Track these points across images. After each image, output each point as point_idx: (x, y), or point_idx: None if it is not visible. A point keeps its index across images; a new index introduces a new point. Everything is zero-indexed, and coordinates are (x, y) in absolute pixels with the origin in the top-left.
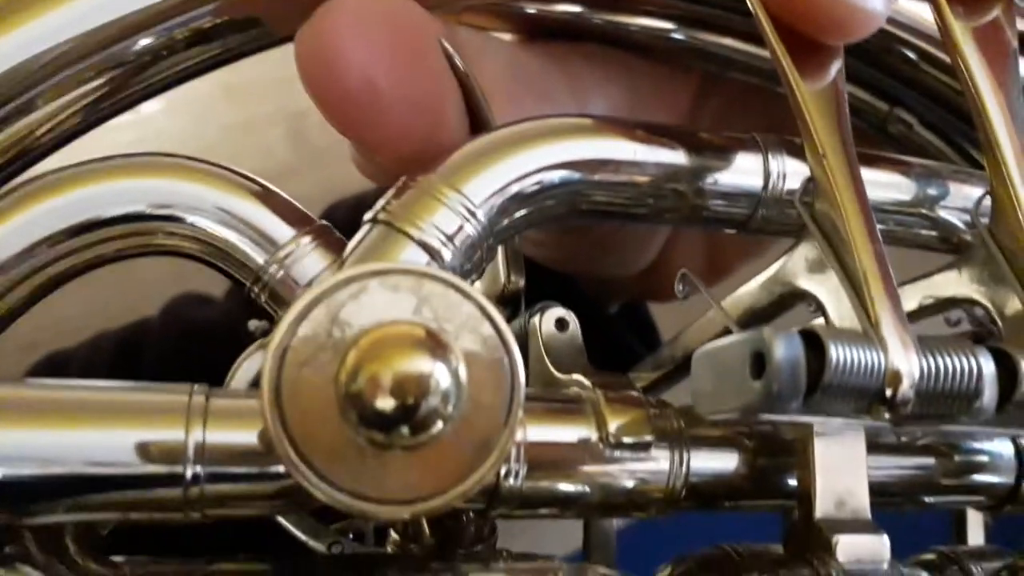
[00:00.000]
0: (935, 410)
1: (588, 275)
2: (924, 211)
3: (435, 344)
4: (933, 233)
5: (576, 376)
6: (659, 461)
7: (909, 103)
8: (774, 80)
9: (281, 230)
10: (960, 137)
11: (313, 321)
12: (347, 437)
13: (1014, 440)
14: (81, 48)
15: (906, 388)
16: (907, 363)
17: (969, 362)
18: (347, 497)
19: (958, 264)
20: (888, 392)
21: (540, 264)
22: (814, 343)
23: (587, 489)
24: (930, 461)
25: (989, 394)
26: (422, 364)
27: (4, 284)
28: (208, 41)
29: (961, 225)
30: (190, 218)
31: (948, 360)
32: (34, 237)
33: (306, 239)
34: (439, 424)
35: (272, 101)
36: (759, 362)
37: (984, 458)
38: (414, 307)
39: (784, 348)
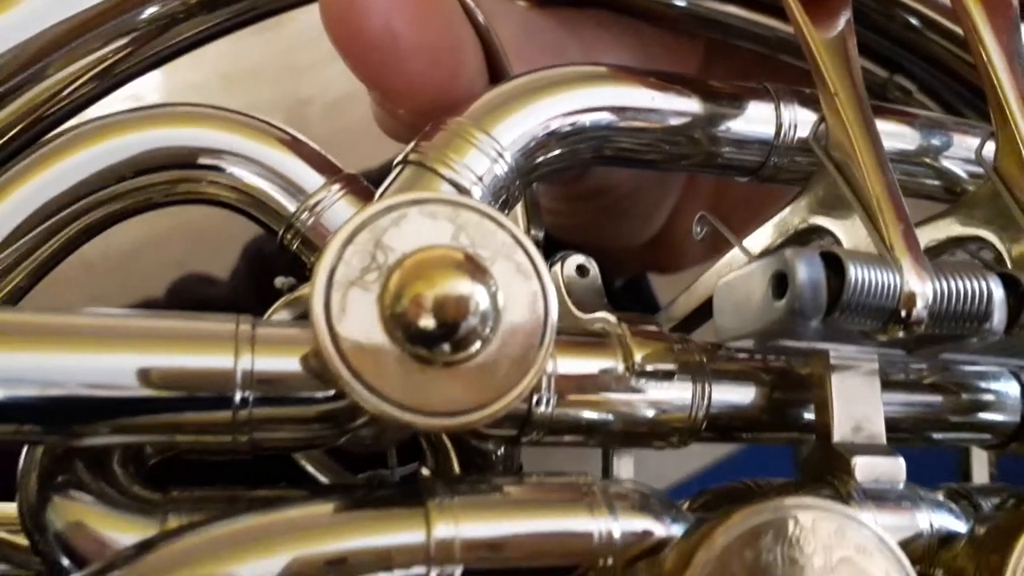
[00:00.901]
0: (947, 330)
1: (596, 247)
2: (929, 160)
3: (474, 267)
4: (937, 183)
5: (601, 314)
6: (681, 392)
7: (910, 69)
8: (778, 49)
9: (311, 178)
10: (960, 103)
11: (358, 245)
12: (393, 353)
13: (1020, 380)
14: (90, 17)
15: (920, 308)
16: (921, 284)
17: (980, 285)
18: (395, 408)
19: (964, 204)
20: (903, 312)
21: (551, 238)
22: (834, 264)
23: (612, 417)
24: (938, 399)
25: (999, 316)
26: (462, 286)
27: (56, 223)
28: (215, 8)
29: (965, 175)
30: (228, 167)
31: (960, 283)
32: (84, 176)
33: (336, 187)
34: (478, 343)
35: (271, 90)
36: (781, 283)
37: (991, 397)
38: (452, 234)
39: (806, 268)
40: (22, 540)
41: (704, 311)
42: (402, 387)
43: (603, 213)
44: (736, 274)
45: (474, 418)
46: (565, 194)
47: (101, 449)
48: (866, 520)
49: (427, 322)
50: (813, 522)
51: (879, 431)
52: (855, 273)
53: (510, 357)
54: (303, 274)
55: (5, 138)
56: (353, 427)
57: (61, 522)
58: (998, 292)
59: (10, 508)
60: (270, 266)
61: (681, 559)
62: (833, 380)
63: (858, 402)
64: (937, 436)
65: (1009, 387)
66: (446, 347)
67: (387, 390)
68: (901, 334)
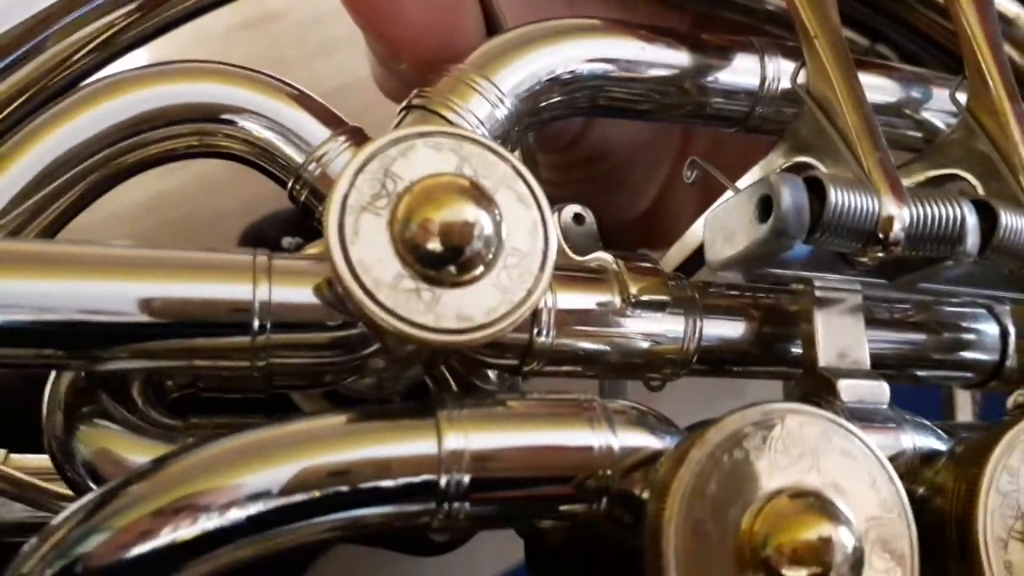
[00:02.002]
0: (924, 252)
1: None
2: (909, 112)
3: (479, 194)
4: (918, 134)
5: (598, 253)
6: (674, 325)
7: (891, 37)
8: (765, 21)
9: (319, 131)
10: (941, 71)
11: (368, 173)
12: (402, 274)
13: (999, 321)
14: None
15: (897, 230)
16: (898, 208)
17: (954, 209)
18: (406, 326)
19: (940, 146)
20: (881, 234)
21: None
22: (816, 188)
23: (608, 348)
24: (921, 337)
25: (972, 239)
26: (468, 211)
27: (79, 172)
28: None
29: (944, 127)
30: (241, 121)
31: (935, 207)
32: (104, 127)
33: (341, 138)
34: (482, 267)
35: None
36: (766, 206)
37: (971, 336)
38: (456, 164)
39: (789, 190)
40: (52, 487)
41: (697, 259)
42: (412, 306)
43: (596, 184)
44: (724, 204)
45: (482, 334)
46: (559, 162)
47: (122, 380)
48: (849, 427)
49: (434, 245)
50: (800, 425)
51: (863, 358)
52: (836, 195)
53: (513, 279)
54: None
55: (7, 110)
56: (364, 355)
57: (88, 450)
58: (971, 216)
59: (38, 459)
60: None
61: (674, 462)
62: (818, 313)
63: (843, 333)
64: (921, 373)
65: (989, 327)
66: (452, 269)
67: (398, 308)
68: (880, 255)
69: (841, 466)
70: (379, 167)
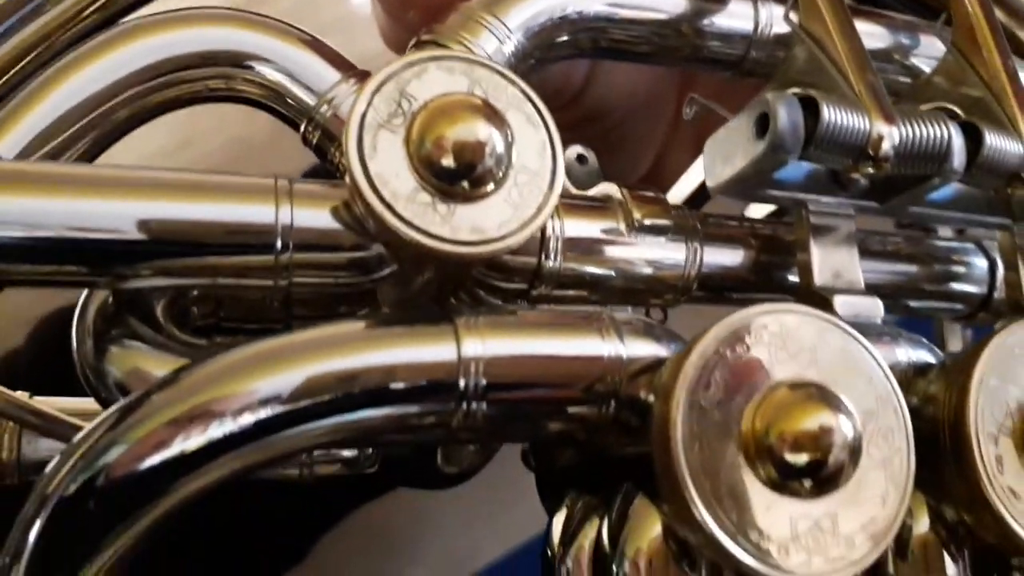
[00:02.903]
0: (912, 170)
1: None
2: (898, 58)
3: (491, 113)
4: (907, 79)
5: (603, 185)
6: (675, 252)
7: None
8: None
9: (330, 74)
10: None
11: (385, 94)
12: (418, 188)
13: (987, 255)
14: None
15: (887, 147)
16: (887, 126)
17: (941, 128)
18: (423, 236)
19: (928, 81)
20: (871, 150)
21: None
22: (810, 106)
23: (613, 273)
24: (914, 268)
25: (958, 157)
26: (480, 129)
27: (104, 112)
28: None
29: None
30: (257, 65)
31: (923, 126)
32: (129, 70)
33: (352, 81)
34: (494, 183)
35: None
36: (763, 123)
37: (961, 269)
38: (467, 86)
39: (785, 107)
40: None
41: (700, 197)
42: (428, 218)
43: (595, 145)
44: (722, 128)
45: (495, 247)
46: (559, 121)
47: (148, 306)
48: (845, 327)
49: (448, 161)
50: (798, 324)
51: (857, 279)
52: (829, 112)
53: (524, 196)
54: None
55: (7, 76)
56: (380, 276)
57: (119, 371)
58: (957, 135)
59: (63, 401)
60: None
61: (677, 362)
62: (814, 238)
63: (837, 256)
64: (913, 304)
65: (978, 260)
66: (465, 184)
67: (415, 220)
68: (871, 170)
69: (838, 362)
70: (395, 88)
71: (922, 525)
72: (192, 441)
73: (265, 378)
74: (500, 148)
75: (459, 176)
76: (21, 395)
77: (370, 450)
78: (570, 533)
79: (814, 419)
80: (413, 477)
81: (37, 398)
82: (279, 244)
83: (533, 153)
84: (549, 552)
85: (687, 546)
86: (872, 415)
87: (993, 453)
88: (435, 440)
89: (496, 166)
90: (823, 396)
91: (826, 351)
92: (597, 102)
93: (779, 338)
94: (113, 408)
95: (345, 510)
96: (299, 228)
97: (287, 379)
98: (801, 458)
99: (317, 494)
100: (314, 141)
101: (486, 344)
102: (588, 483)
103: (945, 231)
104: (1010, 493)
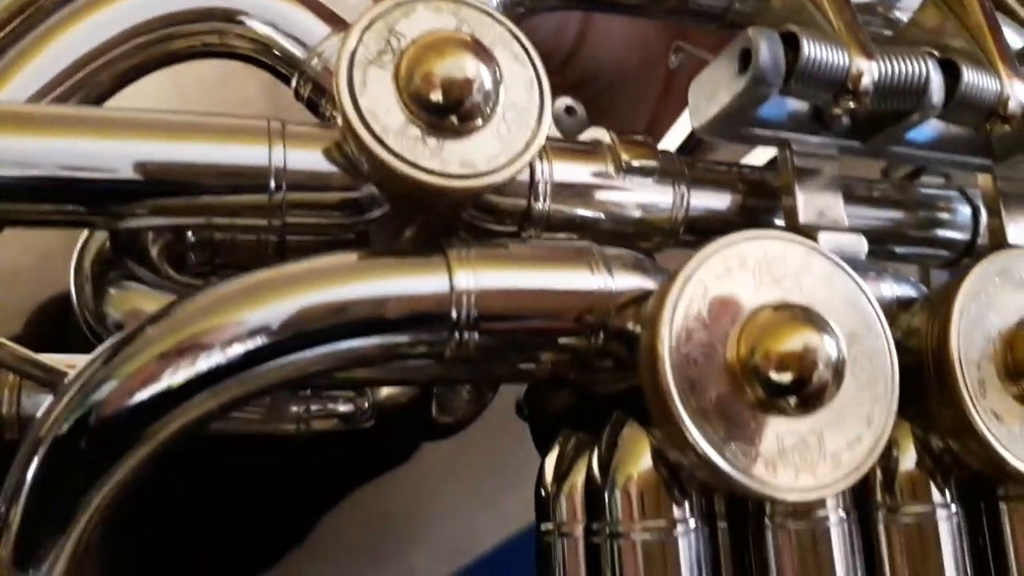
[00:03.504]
0: (891, 104)
1: None
2: (881, 11)
3: (478, 48)
4: (888, 32)
5: (592, 129)
6: (664, 196)
7: None
8: None
9: (319, 28)
10: None
11: (374, 32)
12: (408, 121)
13: (971, 203)
14: None
15: (867, 81)
16: (867, 62)
17: (920, 64)
18: (414, 170)
19: (908, 26)
20: (851, 84)
21: None
22: (791, 41)
23: (603, 216)
24: (899, 214)
25: (937, 92)
26: (467, 64)
27: (100, 65)
28: None
29: None
30: (249, 20)
31: (902, 62)
32: (127, 24)
33: (341, 35)
34: (482, 118)
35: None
36: (745, 58)
37: (945, 215)
38: (455, 25)
39: (766, 41)
40: None
41: (689, 147)
42: (419, 151)
43: (589, 106)
44: (706, 69)
45: (485, 181)
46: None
47: (144, 249)
48: (830, 254)
49: (437, 96)
50: (783, 250)
51: (841, 217)
52: (809, 46)
53: (512, 131)
54: None
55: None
56: (373, 218)
57: (118, 312)
58: (936, 71)
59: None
60: None
61: (663, 290)
62: (798, 180)
63: (822, 196)
64: (898, 250)
65: (961, 207)
66: (454, 119)
67: (406, 153)
68: (852, 105)
69: (822, 288)
70: (383, 26)
71: (909, 457)
72: (183, 373)
73: (258, 308)
74: (488, 84)
75: (448, 111)
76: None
77: (366, 404)
78: (563, 471)
79: (798, 338)
80: (409, 429)
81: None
82: (272, 184)
83: (521, 90)
84: (543, 492)
85: (677, 472)
86: (856, 338)
87: (976, 377)
88: (430, 378)
89: (484, 101)
90: (807, 316)
91: (810, 277)
92: (588, 64)
93: (764, 264)
94: (106, 344)
95: (346, 491)
96: (292, 168)
97: (280, 308)
98: (786, 376)
99: (319, 471)
100: (305, 95)
101: (478, 275)
102: (580, 422)
103: (930, 180)
104: (993, 416)
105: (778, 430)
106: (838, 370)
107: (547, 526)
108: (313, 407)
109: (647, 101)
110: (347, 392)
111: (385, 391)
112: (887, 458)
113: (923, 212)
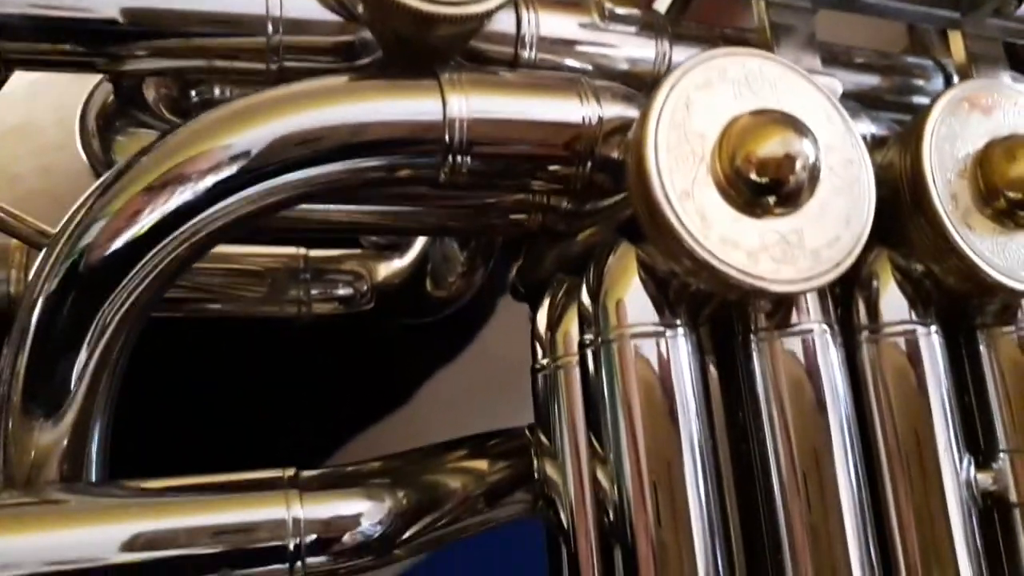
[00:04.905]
0: None
1: None
2: None
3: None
4: None
5: None
6: (647, 50)
7: None
8: None
9: None
10: None
11: None
12: None
13: (943, 70)
14: None
15: None
16: None
17: None
18: None
19: None
20: None
21: None
22: None
23: (589, 66)
24: (876, 79)
25: None
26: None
27: None
28: None
29: None
30: None
31: None
32: None
33: None
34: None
35: None
36: None
37: (920, 81)
38: None
39: None
40: None
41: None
42: None
43: None
44: None
45: (473, 9)
46: None
47: (142, 96)
48: (805, 73)
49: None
50: (760, 66)
51: (816, 65)
52: None
53: None
54: None
55: None
56: (367, 63)
57: (126, 156)
58: None
59: None
60: None
61: (647, 104)
62: (774, 33)
63: (798, 47)
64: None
65: (936, 77)
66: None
67: None
68: None
69: (798, 101)
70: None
71: (890, 286)
72: (170, 203)
73: (247, 130)
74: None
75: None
76: None
77: (365, 287)
78: (555, 317)
79: (777, 138)
80: (407, 309)
81: None
82: (270, 27)
83: None
84: (537, 344)
85: (666, 288)
86: (832, 148)
87: (951, 198)
88: (424, 228)
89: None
90: (785, 120)
91: (787, 91)
92: None
93: (743, 77)
94: (91, 189)
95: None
96: (288, 13)
97: (271, 129)
98: (765, 176)
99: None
100: None
101: (470, 101)
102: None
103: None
104: (970, 231)
105: (760, 228)
106: (815, 170)
107: (543, 362)
108: (313, 291)
109: None
110: (346, 276)
111: (382, 272)
112: (868, 288)
113: (898, 78)
